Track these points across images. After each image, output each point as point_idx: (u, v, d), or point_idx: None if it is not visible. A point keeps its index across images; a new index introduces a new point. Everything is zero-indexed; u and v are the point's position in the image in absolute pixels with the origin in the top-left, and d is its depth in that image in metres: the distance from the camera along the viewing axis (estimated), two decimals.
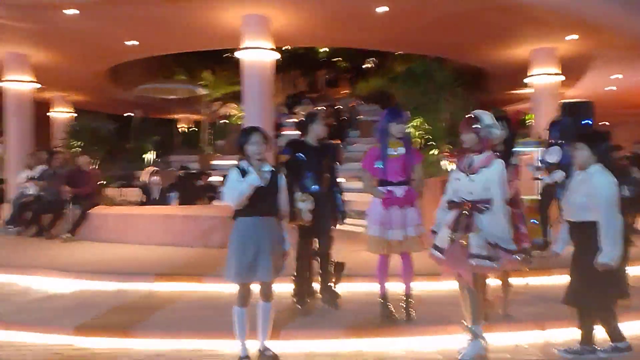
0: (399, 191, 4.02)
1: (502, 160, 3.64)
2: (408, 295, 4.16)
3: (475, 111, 3.72)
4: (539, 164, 6.36)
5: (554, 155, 5.87)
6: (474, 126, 3.56)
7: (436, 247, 3.64)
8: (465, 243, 3.48)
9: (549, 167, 6.07)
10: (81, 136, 14.35)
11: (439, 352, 3.81)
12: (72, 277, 5.58)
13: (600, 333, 3.62)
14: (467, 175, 3.57)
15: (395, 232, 3.98)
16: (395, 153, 4.03)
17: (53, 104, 17.83)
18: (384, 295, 4.19)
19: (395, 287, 4.31)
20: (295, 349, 3.85)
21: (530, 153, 7.66)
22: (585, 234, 3.44)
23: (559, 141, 5.95)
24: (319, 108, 17.51)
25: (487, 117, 3.65)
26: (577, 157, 3.55)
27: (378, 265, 4.16)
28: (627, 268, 3.83)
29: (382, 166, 4.02)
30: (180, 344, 3.94)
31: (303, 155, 4.28)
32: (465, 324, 3.65)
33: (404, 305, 4.14)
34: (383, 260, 4.13)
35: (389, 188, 4.02)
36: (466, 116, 3.67)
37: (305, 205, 4.11)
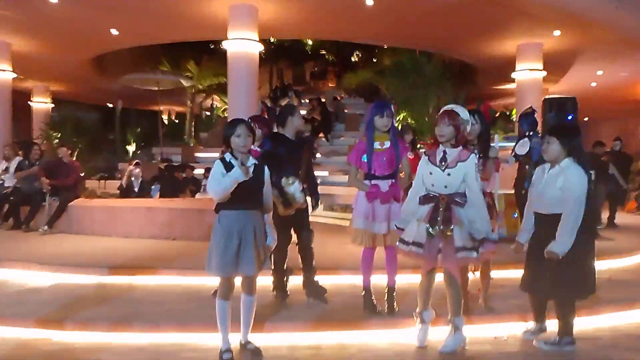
0: (385, 185, 4.00)
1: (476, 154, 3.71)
2: (392, 287, 4.15)
3: (452, 105, 3.74)
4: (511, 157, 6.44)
5: (523, 147, 5.96)
6: (454, 119, 3.56)
7: (410, 242, 3.59)
8: (448, 236, 3.48)
9: (520, 160, 6.17)
10: (62, 127, 14.14)
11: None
12: (51, 271, 5.47)
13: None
14: (442, 169, 3.56)
15: (381, 225, 3.96)
16: (382, 147, 4.01)
17: (34, 94, 17.52)
18: (367, 288, 4.17)
19: (381, 280, 4.29)
20: (277, 341, 3.83)
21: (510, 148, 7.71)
22: (557, 226, 3.50)
23: (528, 133, 6.05)
24: (305, 101, 17.44)
25: (463, 111, 3.69)
26: (548, 151, 3.60)
27: (362, 258, 4.14)
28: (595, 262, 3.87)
29: (368, 160, 4.00)
30: (161, 337, 3.89)
31: (281, 149, 4.22)
32: (420, 315, 3.70)
33: (387, 298, 4.13)
34: (367, 252, 4.12)
35: (375, 182, 4.00)
36: (444, 109, 3.67)
37: (294, 187, 4.07)
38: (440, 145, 3.62)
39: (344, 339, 3.88)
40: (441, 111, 3.67)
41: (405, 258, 3.74)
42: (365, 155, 4.02)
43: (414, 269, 4.62)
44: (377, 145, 4.01)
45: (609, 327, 4.23)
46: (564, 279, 3.55)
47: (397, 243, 3.70)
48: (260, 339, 3.71)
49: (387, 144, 4.02)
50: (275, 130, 4.47)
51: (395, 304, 4.13)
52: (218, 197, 3.38)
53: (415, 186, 3.71)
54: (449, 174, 3.55)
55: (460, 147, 3.59)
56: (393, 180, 4.03)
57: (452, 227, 3.50)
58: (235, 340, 3.56)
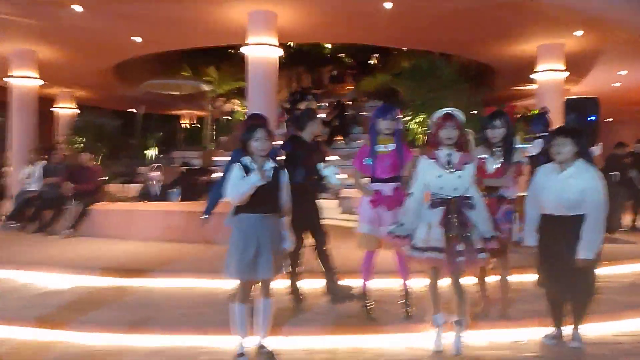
0: (388, 189, 3.98)
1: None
2: (407, 291, 4.13)
3: (449, 108, 3.75)
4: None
5: (536, 147, 5.92)
6: (457, 122, 3.60)
7: (425, 248, 3.53)
8: (469, 239, 3.48)
9: (534, 161, 6.08)
10: (85, 132, 14.39)
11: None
12: (73, 273, 5.57)
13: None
14: (450, 171, 3.54)
15: (386, 229, 3.92)
16: (385, 149, 3.99)
17: (57, 100, 17.89)
18: (365, 292, 4.16)
19: (393, 284, 4.28)
20: (294, 345, 3.84)
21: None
22: (575, 228, 3.51)
23: (542, 134, 5.97)
24: (322, 104, 17.48)
25: (460, 114, 3.72)
26: (562, 152, 3.56)
27: (363, 261, 4.12)
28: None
29: (371, 163, 3.99)
30: (178, 340, 3.93)
31: (300, 152, 4.24)
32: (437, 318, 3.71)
33: (405, 301, 4.11)
34: (369, 256, 4.10)
35: (378, 185, 3.99)
36: (446, 113, 3.65)
37: (330, 170, 4.08)
38: (442, 148, 3.60)
39: (360, 343, 3.87)
40: (443, 115, 3.64)
41: (419, 264, 3.69)
42: (368, 159, 4.01)
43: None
44: (381, 148, 4.00)
45: (630, 332, 4.15)
46: (584, 281, 3.59)
47: (409, 251, 3.62)
48: (277, 343, 3.72)
49: (391, 147, 4.00)
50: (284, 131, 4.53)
51: (410, 308, 4.10)
52: (236, 201, 3.40)
53: (416, 192, 3.63)
54: (459, 176, 3.55)
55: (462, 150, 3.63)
56: (398, 184, 4.00)
57: (469, 231, 3.50)
58: (251, 343, 3.57)
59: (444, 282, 3.70)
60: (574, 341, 3.78)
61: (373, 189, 4.01)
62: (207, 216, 4.46)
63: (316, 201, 4.34)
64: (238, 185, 3.36)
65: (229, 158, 4.20)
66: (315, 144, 4.38)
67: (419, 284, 4.36)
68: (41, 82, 12.94)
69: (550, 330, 3.89)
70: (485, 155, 3.93)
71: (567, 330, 3.84)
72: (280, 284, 4.31)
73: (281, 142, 4.42)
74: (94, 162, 9.27)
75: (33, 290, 5.25)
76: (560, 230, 3.59)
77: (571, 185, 3.53)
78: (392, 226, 3.71)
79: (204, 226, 4.61)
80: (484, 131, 3.95)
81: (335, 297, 4.32)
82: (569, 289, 3.66)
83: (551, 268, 3.70)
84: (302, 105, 18.21)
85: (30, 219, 8.54)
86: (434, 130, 3.65)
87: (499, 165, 3.89)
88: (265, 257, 3.40)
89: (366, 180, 4.11)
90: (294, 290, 4.38)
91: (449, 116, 3.62)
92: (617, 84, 16.08)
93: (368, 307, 4.13)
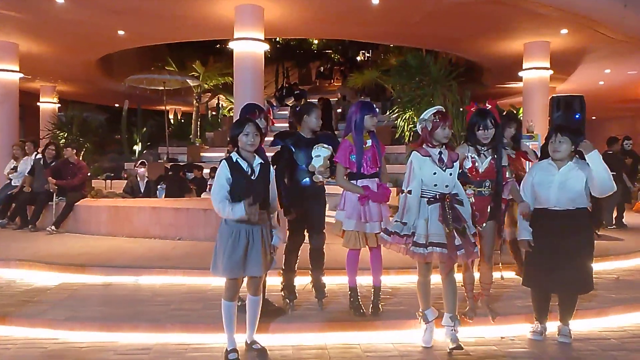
0: (372, 184, 4.00)
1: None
2: (377, 287, 4.15)
3: (438, 106, 3.80)
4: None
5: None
6: (451, 122, 3.67)
7: (428, 244, 3.53)
8: (465, 233, 3.56)
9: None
10: (69, 127, 14.19)
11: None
12: (57, 270, 5.50)
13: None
14: (443, 169, 3.59)
15: (373, 225, 3.95)
16: (365, 145, 4.03)
17: (41, 94, 17.62)
18: (353, 288, 4.16)
19: (391, 281, 4.28)
20: (283, 341, 3.82)
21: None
22: (580, 221, 3.69)
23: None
24: (311, 100, 17.42)
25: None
26: (560, 150, 3.69)
27: (347, 259, 4.12)
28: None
29: (357, 159, 3.98)
30: (167, 337, 3.89)
31: (297, 148, 4.18)
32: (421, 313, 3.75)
33: (373, 298, 4.12)
34: (353, 253, 4.10)
35: (365, 181, 4.00)
36: (440, 111, 3.67)
37: (317, 152, 4.07)
38: (435, 145, 3.64)
39: (349, 339, 3.87)
40: (441, 114, 3.64)
41: (420, 260, 3.64)
42: (352, 155, 3.99)
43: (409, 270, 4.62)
44: (365, 144, 4.03)
45: (616, 327, 4.20)
46: (584, 273, 3.71)
47: (412, 247, 3.58)
48: (266, 340, 3.71)
49: (369, 143, 4.04)
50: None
51: (380, 304, 4.13)
52: (218, 212, 3.33)
53: (414, 189, 3.61)
54: (450, 174, 3.63)
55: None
56: (377, 179, 4.04)
57: (464, 225, 3.57)
58: (240, 340, 3.55)
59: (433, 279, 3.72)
60: (562, 336, 3.83)
61: (360, 185, 4.00)
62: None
63: (319, 199, 4.27)
64: (224, 207, 3.27)
65: (214, 154, 4.13)
66: (314, 140, 4.24)
67: (407, 280, 4.37)
68: (20, 75, 12.72)
69: (535, 326, 3.94)
70: (474, 155, 3.90)
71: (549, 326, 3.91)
72: (270, 281, 4.30)
73: (273, 139, 4.36)
74: (78, 157, 9.13)
75: (19, 288, 5.16)
76: (559, 223, 3.68)
77: (574, 177, 3.65)
78: (394, 224, 3.68)
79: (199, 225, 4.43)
80: (473, 131, 3.88)
81: (318, 296, 4.30)
82: (563, 283, 3.71)
83: (546, 261, 3.74)
84: (289, 101, 18.19)
85: (13, 215, 8.40)
86: (430, 128, 3.64)
87: (487, 165, 3.88)
88: (256, 254, 3.36)
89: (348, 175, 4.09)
90: (288, 288, 4.33)
91: (444, 115, 3.65)
92: (602, 82, 16.30)
93: (359, 304, 4.12)
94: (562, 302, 3.87)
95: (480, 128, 3.85)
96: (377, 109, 4.17)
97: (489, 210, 3.92)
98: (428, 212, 3.57)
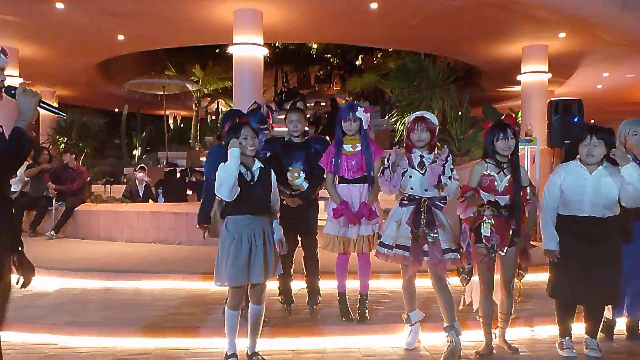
0: (356, 190, 3.93)
1: None
2: (364, 295, 4.14)
3: (422, 112, 3.77)
4: None
5: None
6: (429, 124, 3.60)
7: (393, 246, 3.55)
8: (435, 238, 3.48)
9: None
10: (68, 132, 14.20)
11: (426, 349, 3.80)
12: (57, 275, 5.50)
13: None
14: (422, 173, 3.55)
15: (353, 229, 3.89)
16: (353, 150, 3.96)
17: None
18: (342, 294, 4.16)
19: (378, 284, 4.27)
20: (282, 346, 3.82)
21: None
22: (610, 229, 3.51)
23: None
24: (310, 105, 17.46)
25: (433, 117, 3.71)
26: (595, 154, 3.45)
27: (337, 264, 4.11)
28: None
29: (335, 162, 3.95)
30: (167, 342, 3.89)
31: (285, 154, 4.16)
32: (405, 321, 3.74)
33: (359, 305, 4.11)
34: (342, 258, 4.08)
35: (345, 186, 3.94)
36: (417, 116, 3.66)
37: (299, 179, 4.05)
38: (415, 150, 3.62)
39: (349, 343, 3.88)
40: (413, 117, 3.65)
41: (387, 262, 3.67)
42: (333, 159, 3.96)
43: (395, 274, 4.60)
44: (349, 148, 3.96)
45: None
46: (614, 283, 3.54)
47: (377, 247, 3.65)
48: (266, 344, 3.71)
49: (358, 147, 3.97)
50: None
51: (367, 312, 4.11)
52: (228, 187, 3.18)
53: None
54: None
55: (433, 152, 3.64)
56: (366, 185, 3.95)
57: (436, 230, 3.50)
58: (240, 345, 3.52)
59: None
60: (590, 350, 3.66)
61: (339, 189, 3.96)
62: (204, 224, 4.17)
63: (311, 203, 4.21)
64: (219, 176, 3.19)
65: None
66: (303, 144, 4.21)
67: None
68: (20, 80, 12.74)
69: (562, 341, 3.71)
70: (493, 173, 3.57)
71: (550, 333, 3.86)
72: (269, 285, 4.29)
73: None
74: (78, 162, 9.15)
75: (18, 292, 5.13)
76: (590, 231, 3.49)
77: (608, 183, 3.44)
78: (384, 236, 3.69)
79: (199, 230, 4.37)
80: (492, 144, 3.59)
81: (310, 302, 4.28)
82: (592, 293, 3.53)
83: (575, 271, 3.53)
84: (288, 105, 18.22)
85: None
86: (406, 133, 3.68)
87: (507, 184, 3.55)
88: (258, 261, 3.29)
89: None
90: (285, 292, 4.33)
91: (419, 119, 3.62)
92: (600, 86, 16.34)
93: (348, 309, 4.11)
94: (589, 314, 3.70)
95: (500, 138, 3.53)
96: (361, 108, 3.97)
97: (510, 233, 3.56)
98: (402, 215, 3.58)
